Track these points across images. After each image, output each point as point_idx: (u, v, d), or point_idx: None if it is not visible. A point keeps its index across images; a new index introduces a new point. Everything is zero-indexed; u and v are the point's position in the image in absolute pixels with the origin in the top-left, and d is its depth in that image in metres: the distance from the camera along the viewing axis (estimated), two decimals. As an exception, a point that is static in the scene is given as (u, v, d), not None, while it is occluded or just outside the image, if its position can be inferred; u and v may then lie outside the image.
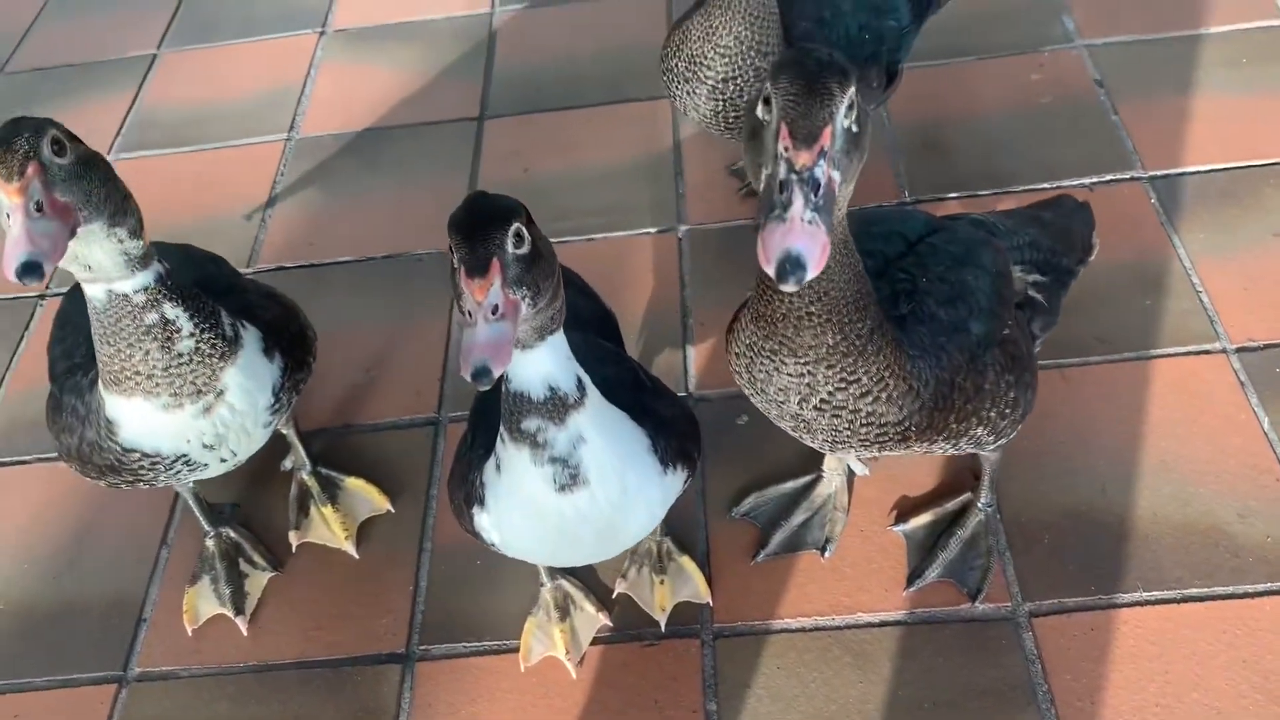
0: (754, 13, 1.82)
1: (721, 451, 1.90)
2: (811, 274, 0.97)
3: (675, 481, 1.37)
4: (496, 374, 0.99)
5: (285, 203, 2.54)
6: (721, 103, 1.92)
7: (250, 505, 1.97)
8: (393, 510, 1.91)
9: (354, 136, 2.68)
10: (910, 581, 1.69)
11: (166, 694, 1.73)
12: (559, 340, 1.20)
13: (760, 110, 1.07)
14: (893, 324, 1.26)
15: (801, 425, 1.32)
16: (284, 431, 1.90)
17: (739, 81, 1.88)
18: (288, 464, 1.97)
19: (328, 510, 1.89)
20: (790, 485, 1.80)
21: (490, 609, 1.76)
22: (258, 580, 1.84)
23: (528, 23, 2.94)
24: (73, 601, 1.87)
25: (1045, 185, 2.26)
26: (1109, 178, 2.26)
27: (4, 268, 1.15)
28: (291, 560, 1.87)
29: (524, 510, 1.28)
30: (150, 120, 2.84)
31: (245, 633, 1.78)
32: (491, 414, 1.40)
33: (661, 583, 1.71)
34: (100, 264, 1.33)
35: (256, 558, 1.85)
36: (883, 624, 1.66)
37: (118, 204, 1.31)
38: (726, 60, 1.87)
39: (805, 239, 0.97)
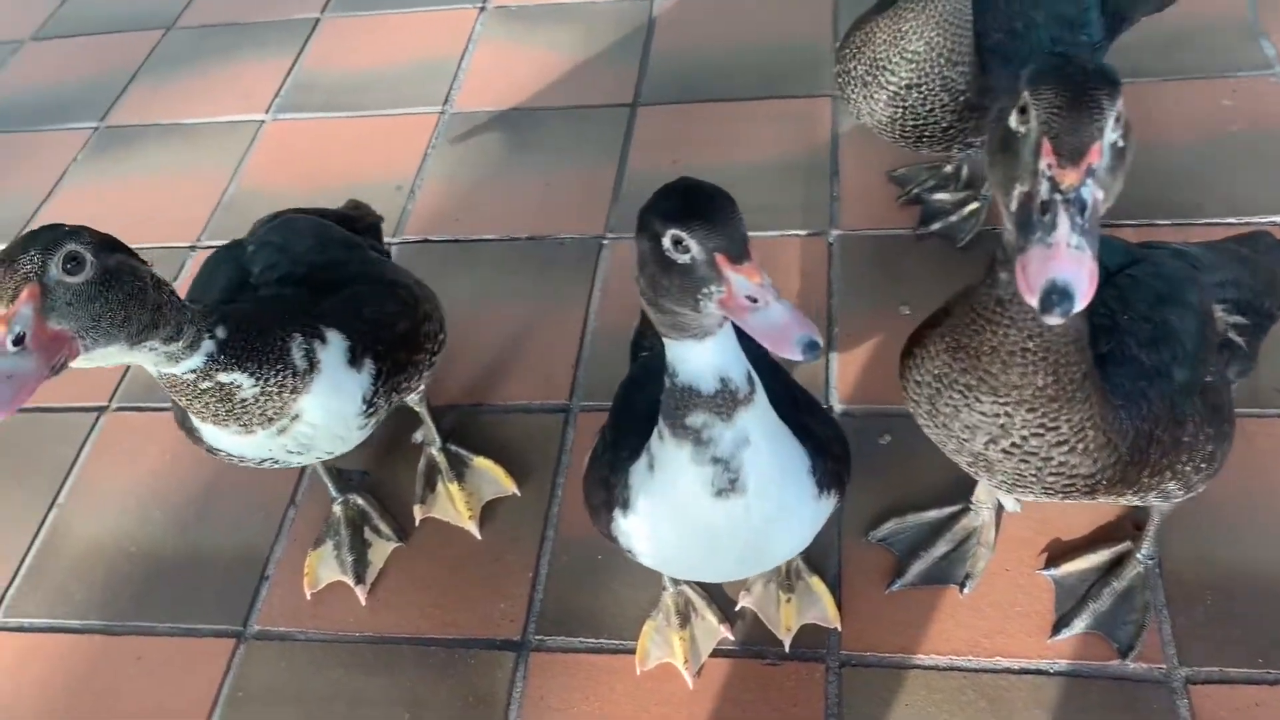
0: (949, 19, 1.72)
1: (861, 471, 1.80)
2: (1080, 305, 0.87)
3: (827, 507, 1.30)
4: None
5: (434, 176, 2.54)
6: (901, 110, 1.83)
7: (379, 474, 1.96)
8: (518, 494, 1.88)
9: (506, 114, 2.67)
10: (1056, 629, 1.58)
11: (282, 654, 1.74)
12: (730, 329, 1.14)
13: (1014, 120, 0.97)
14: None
15: (981, 463, 1.23)
16: (416, 408, 1.88)
17: (924, 90, 1.79)
18: (418, 437, 1.96)
19: (454, 487, 1.87)
20: (933, 514, 1.71)
21: (609, 606, 1.72)
22: (381, 550, 1.83)
23: (688, 10, 2.88)
24: (199, 552, 1.90)
25: (1231, 220, 2.11)
26: (1304, 217, 2.10)
27: None
28: (414, 534, 1.86)
29: (674, 514, 1.22)
30: (309, 83, 2.87)
31: (364, 602, 1.77)
32: (637, 415, 1.35)
33: (788, 601, 1.64)
34: (141, 363, 1.26)
35: (383, 527, 1.84)
36: (1023, 671, 1.56)
37: (144, 321, 1.18)
38: (913, 66, 1.78)
39: (1073, 266, 0.87)
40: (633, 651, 1.65)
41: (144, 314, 1.17)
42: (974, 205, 2.19)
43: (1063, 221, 0.89)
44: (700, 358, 1.12)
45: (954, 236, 2.17)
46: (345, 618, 1.77)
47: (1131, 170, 0.95)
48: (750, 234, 2.32)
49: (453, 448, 1.92)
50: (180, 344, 1.26)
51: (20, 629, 1.83)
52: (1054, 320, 0.89)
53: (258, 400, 1.36)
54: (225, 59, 3.02)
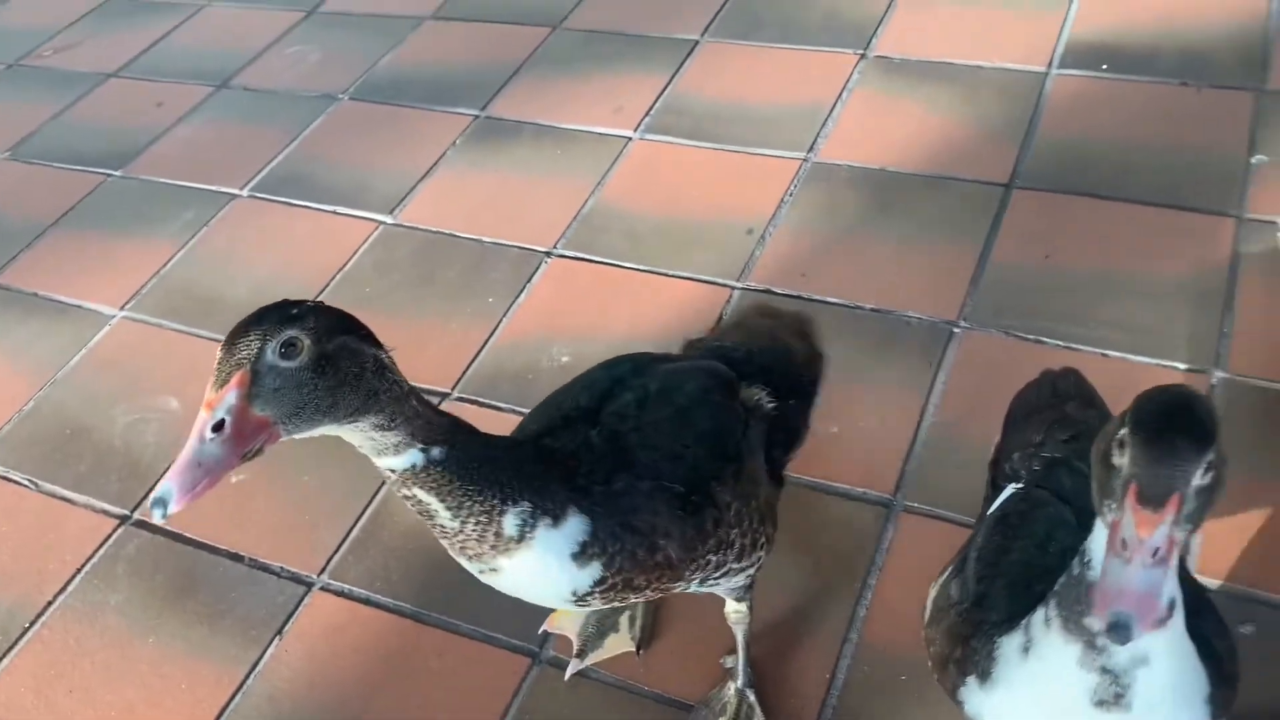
0: None
1: (1213, 658, 1.63)
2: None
3: None
4: (1138, 636, 0.87)
5: (787, 224, 2.50)
6: None
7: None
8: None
9: (870, 172, 2.60)
10: None
11: (572, 686, 1.77)
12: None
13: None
14: None
15: None
16: (731, 625, 1.68)
17: None
18: (728, 663, 1.75)
19: None
20: (1298, 735, 1.51)
21: (905, 734, 1.64)
22: None
23: (1087, 91, 2.70)
24: (509, 561, 1.96)
25: None
26: None
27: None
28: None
29: (1041, 711, 1.13)
30: (679, 107, 2.91)
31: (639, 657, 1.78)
32: (1013, 569, 1.26)
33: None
34: (348, 437, 1.18)
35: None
36: None
37: (353, 406, 1.11)
38: None
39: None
40: (923, 791, 1.56)
41: (354, 399, 1.11)
42: (1397, 378, 1.93)
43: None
44: None
45: (1367, 410, 1.91)
46: (636, 667, 1.77)
47: None
48: (1122, 354, 2.11)
49: (751, 698, 1.70)
50: (391, 437, 1.17)
51: (341, 593, 1.97)
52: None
53: (457, 535, 1.26)
54: (604, 67, 3.11)
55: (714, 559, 1.44)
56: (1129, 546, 0.93)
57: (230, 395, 1.04)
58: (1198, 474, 0.94)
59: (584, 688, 1.77)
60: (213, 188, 2.94)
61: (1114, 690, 1.07)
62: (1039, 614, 1.13)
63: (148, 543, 2.09)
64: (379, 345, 1.15)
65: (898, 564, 1.84)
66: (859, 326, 2.26)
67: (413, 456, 1.19)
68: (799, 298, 2.33)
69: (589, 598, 1.37)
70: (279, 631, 1.92)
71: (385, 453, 1.19)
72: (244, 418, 1.05)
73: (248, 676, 1.86)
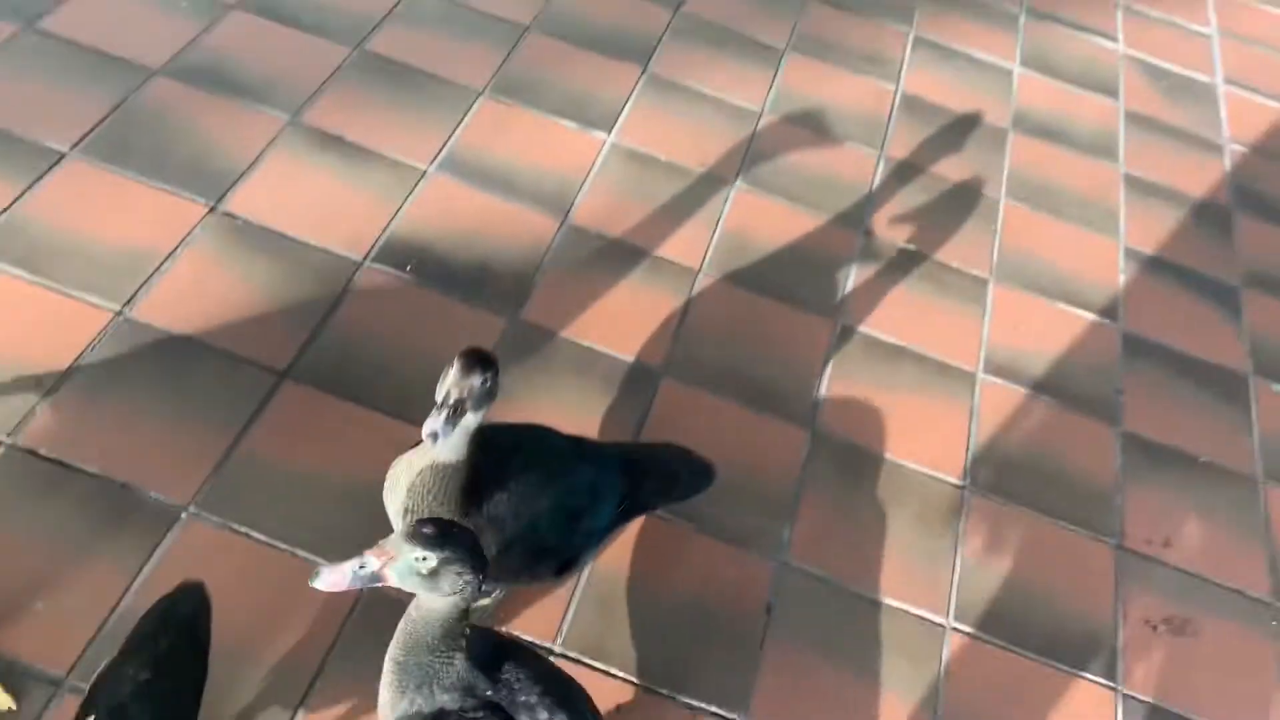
0: (439, 465, 2.02)
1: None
2: (321, 587, 1.66)
3: None
4: None
5: (76, 385, 2.65)
6: (403, 524, 2.13)
7: None
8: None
9: (170, 338, 2.80)
10: None
11: None
12: None
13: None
14: None
15: None
16: None
17: (416, 514, 2.07)
18: None
19: None
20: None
21: None
22: None
23: (386, 290, 3.07)
24: None
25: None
26: None
27: None
28: None
29: None
30: (18, 230, 2.96)
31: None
32: None
33: None
34: None
35: None
36: None
37: None
38: (408, 493, 2.08)
39: (336, 577, 1.66)
40: None
41: None
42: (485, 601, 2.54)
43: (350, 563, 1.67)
44: None
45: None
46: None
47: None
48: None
49: None
50: None
51: None
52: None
53: None
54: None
55: None
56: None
57: None
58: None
59: None
60: None
61: None
62: None
63: None
64: None
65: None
66: (95, 498, 2.46)
67: None
68: (53, 461, 2.53)
69: None
70: None
71: None
72: None
73: None
